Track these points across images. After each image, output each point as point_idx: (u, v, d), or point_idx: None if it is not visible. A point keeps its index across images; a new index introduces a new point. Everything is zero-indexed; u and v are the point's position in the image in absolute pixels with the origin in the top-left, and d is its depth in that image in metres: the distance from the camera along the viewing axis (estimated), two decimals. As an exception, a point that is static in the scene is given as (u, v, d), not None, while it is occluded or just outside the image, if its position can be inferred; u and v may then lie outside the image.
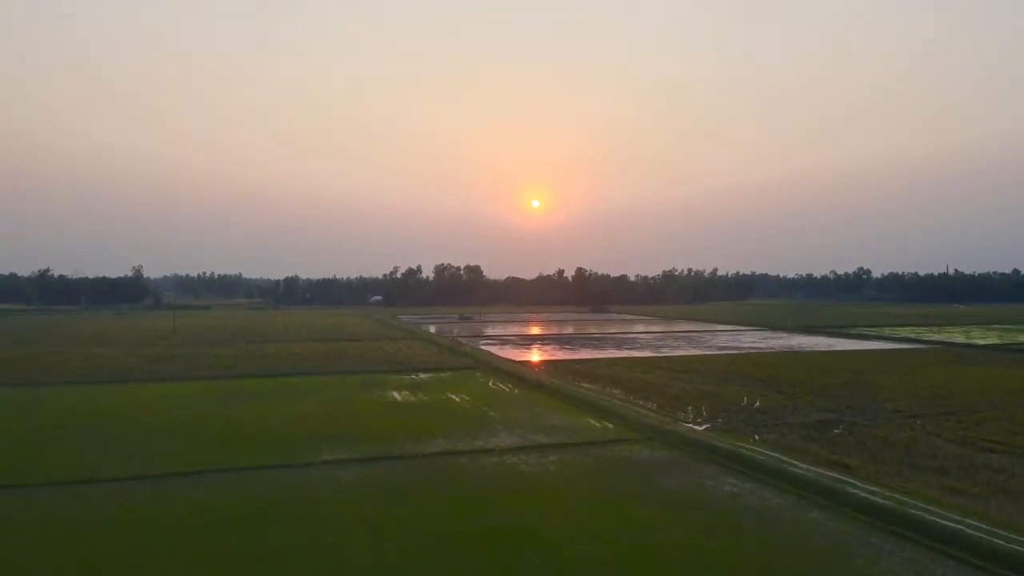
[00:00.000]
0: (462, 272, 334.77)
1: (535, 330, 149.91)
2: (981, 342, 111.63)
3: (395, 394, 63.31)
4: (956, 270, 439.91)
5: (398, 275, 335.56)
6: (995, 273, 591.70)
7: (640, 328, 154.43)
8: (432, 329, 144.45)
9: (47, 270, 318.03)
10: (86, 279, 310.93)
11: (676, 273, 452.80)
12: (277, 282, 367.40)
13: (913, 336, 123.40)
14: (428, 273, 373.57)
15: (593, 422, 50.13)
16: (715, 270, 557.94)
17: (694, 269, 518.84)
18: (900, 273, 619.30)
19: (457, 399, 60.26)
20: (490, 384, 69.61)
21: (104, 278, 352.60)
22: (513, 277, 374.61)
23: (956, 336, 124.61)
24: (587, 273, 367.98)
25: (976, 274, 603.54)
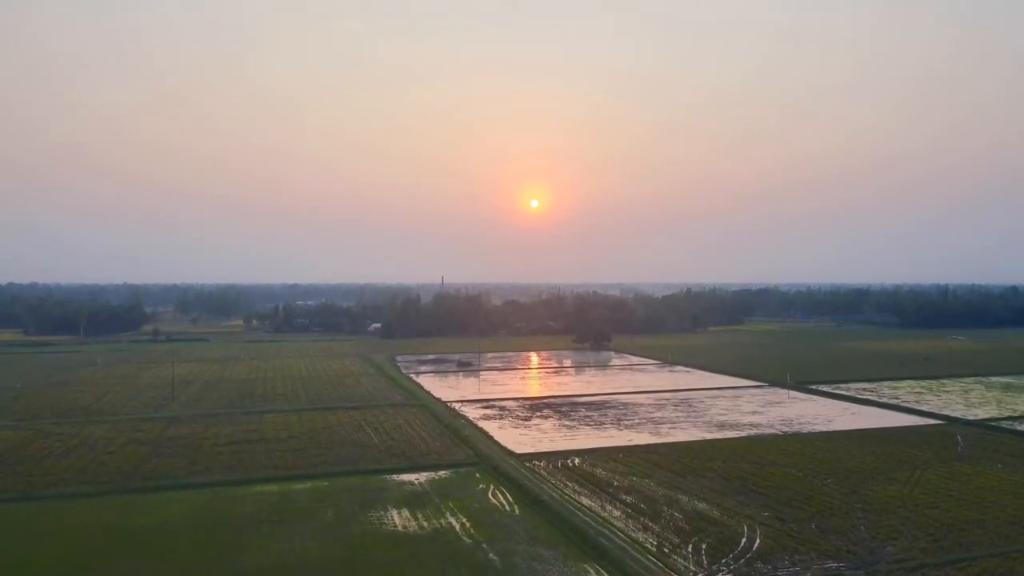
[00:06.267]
0: (462, 301, 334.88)
1: (534, 387, 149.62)
2: (980, 414, 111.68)
3: (395, 515, 63.13)
4: (954, 294, 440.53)
5: (398, 303, 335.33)
6: (992, 285, 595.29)
7: (640, 380, 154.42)
8: (432, 387, 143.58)
9: (46, 298, 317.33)
10: (84, 307, 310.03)
11: (676, 295, 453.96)
12: (276, 307, 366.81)
13: (911, 402, 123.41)
14: (427, 298, 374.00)
15: None
16: (714, 288, 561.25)
17: (693, 288, 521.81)
18: (899, 286, 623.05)
19: (457, 526, 60.06)
20: (489, 496, 69.36)
21: (104, 304, 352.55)
22: (512, 302, 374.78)
23: (955, 401, 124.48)
24: (586, 298, 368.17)
25: (973, 286, 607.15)
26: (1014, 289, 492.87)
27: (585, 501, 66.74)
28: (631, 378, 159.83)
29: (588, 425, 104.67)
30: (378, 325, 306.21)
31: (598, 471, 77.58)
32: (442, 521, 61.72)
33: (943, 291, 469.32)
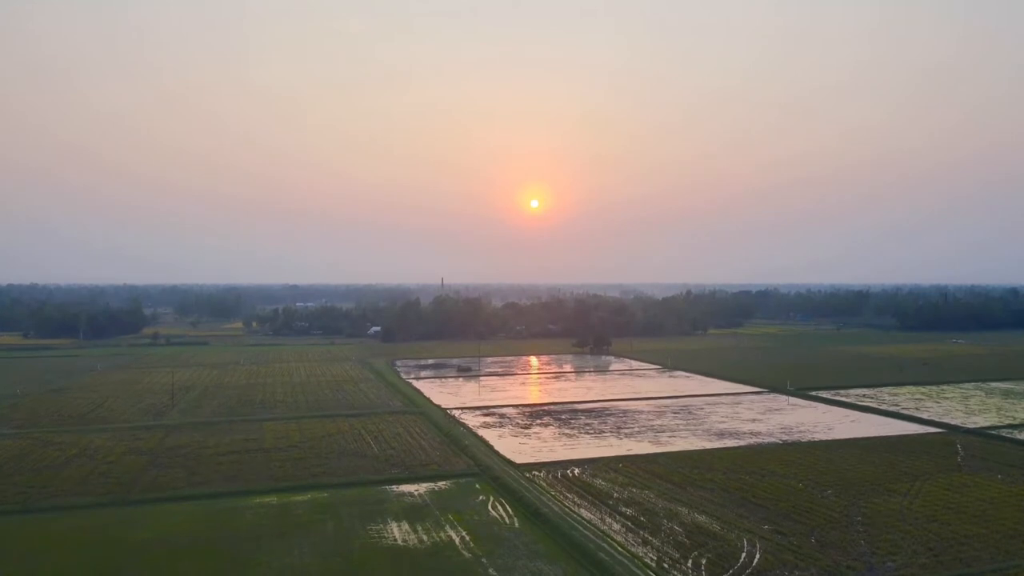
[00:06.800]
0: (462, 304, 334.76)
1: (534, 393, 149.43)
2: (980, 421, 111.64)
3: (395, 528, 63.07)
4: (954, 296, 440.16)
5: (398, 306, 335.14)
6: (992, 287, 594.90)
7: (639, 386, 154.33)
8: (431, 393, 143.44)
9: (46, 301, 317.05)
10: (84, 310, 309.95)
11: (675, 297, 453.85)
12: (276, 310, 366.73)
13: (912, 410, 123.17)
14: (427, 300, 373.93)
15: (593, 592, 49.95)
16: (713, 291, 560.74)
17: (693, 290, 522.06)
18: (899, 287, 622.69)
19: (457, 540, 59.98)
20: (489, 508, 69.23)
21: (104, 307, 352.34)
22: (512, 305, 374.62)
23: (955, 408, 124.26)
24: (586, 301, 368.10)
25: (973, 287, 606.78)
26: (1014, 291, 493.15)
27: (585, 514, 66.66)
28: (631, 384, 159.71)
29: (588, 433, 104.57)
30: (378, 328, 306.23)
31: (598, 482, 77.52)
32: (441, 535, 61.65)
33: (943, 293, 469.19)
